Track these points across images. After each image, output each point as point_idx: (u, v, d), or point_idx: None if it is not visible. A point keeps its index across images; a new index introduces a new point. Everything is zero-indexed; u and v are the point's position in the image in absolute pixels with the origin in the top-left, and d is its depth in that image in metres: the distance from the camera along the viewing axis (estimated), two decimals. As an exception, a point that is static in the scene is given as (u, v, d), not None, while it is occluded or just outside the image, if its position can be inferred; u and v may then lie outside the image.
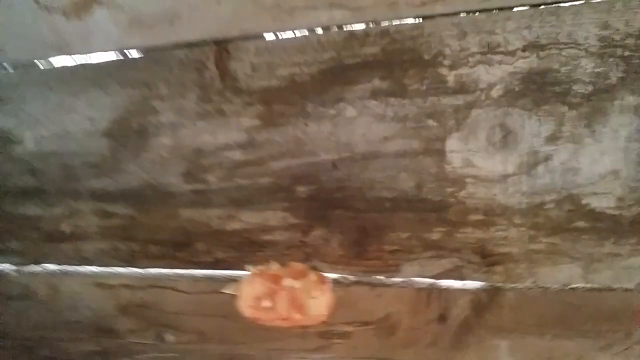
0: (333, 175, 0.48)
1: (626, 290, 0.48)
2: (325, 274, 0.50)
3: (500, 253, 0.47)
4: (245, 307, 0.48)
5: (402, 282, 0.51)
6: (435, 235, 0.48)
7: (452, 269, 0.48)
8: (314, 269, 0.51)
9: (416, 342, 0.52)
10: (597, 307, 0.48)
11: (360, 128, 0.46)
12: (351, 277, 0.52)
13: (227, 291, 0.50)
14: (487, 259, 0.48)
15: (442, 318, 0.51)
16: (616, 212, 0.45)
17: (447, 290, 0.50)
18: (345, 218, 0.49)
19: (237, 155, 0.50)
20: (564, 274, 0.47)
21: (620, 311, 0.48)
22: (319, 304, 0.47)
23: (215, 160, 0.50)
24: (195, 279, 0.55)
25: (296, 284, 0.48)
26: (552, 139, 0.44)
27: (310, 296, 0.47)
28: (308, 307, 0.47)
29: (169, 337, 0.59)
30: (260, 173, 0.50)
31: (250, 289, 0.48)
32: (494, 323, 0.50)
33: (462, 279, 0.49)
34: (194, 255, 0.54)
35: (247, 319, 0.48)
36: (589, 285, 0.48)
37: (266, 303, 0.47)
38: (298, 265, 0.49)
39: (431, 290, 0.50)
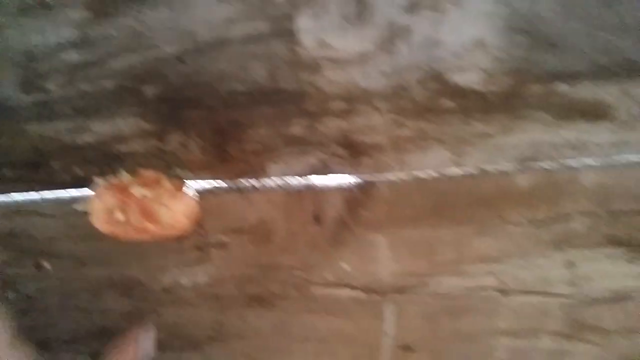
0: (180, 70, 0.43)
1: (501, 173, 0.46)
2: (188, 181, 0.47)
3: (365, 142, 0.45)
4: (99, 222, 0.45)
5: (273, 186, 0.48)
6: (296, 129, 0.44)
7: (318, 164, 0.46)
8: (178, 177, 0.47)
9: (294, 246, 0.50)
10: (472, 193, 0.47)
11: (201, 12, 0.41)
12: (218, 184, 0.48)
13: (78, 208, 0.47)
14: (352, 150, 0.45)
15: (317, 219, 0.48)
16: (483, 88, 0.42)
17: (320, 190, 0.47)
18: (200, 118, 0.45)
19: (73, 56, 0.44)
20: (434, 159, 0.45)
21: (494, 195, 0.47)
22: (173, 212, 0.44)
23: (50, 65, 0.44)
24: (59, 201, 0.51)
25: (147, 192, 0.44)
26: (411, 8, 0.39)
27: (163, 204, 0.44)
28: (161, 216, 0.44)
29: (47, 265, 0.56)
30: (102, 75, 0.44)
31: (101, 203, 0.44)
32: (369, 219, 0.48)
33: (329, 173, 0.46)
34: (51, 175, 0.50)
35: (105, 236, 0.45)
36: (461, 171, 0.46)
37: (118, 216, 0.44)
38: (149, 174, 0.45)
39: (303, 191, 0.47)
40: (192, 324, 0.57)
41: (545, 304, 0.50)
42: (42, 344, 0.62)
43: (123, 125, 0.46)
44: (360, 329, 0.54)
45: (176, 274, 0.54)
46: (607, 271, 0.48)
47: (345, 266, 0.51)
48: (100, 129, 0.47)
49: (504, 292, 0.50)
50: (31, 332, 0.61)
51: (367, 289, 0.52)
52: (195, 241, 0.51)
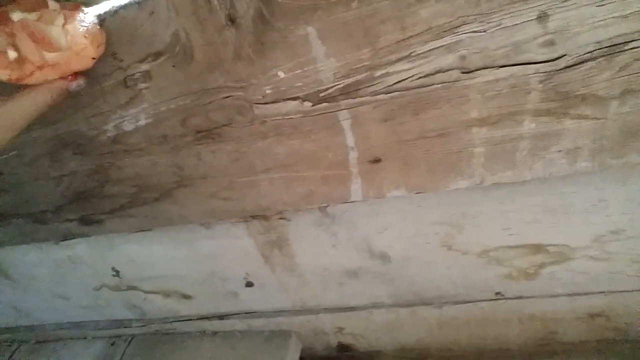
0: None
1: None
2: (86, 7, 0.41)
3: None
4: (-2, 73, 0.41)
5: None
6: None
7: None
8: (68, -1, 0.41)
9: (220, 60, 0.44)
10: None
11: None
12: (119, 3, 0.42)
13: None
14: None
15: (231, 19, 0.42)
16: None
17: (226, -19, 0.40)
18: None
19: None
20: None
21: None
22: (69, 32, 0.39)
23: None
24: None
25: (29, 15, 0.39)
26: None
27: (53, 25, 0.39)
28: (54, 38, 0.39)
29: None
30: None
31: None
32: (290, 7, 0.40)
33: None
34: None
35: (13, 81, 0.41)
36: None
37: (11, 53, 0.40)
38: (30, -3, 0.39)
39: (208, -12, 0.40)
40: (153, 173, 0.56)
41: (520, 77, 0.42)
42: (35, 220, 0.65)
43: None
44: (321, 147, 0.50)
45: (117, 120, 0.51)
46: (594, 17, 0.39)
47: (281, 74, 0.45)
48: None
49: (467, 71, 0.43)
50: (19, 209, 0.64)
51: (313, 98, 0.46)
52: (117, 77, 0.47)
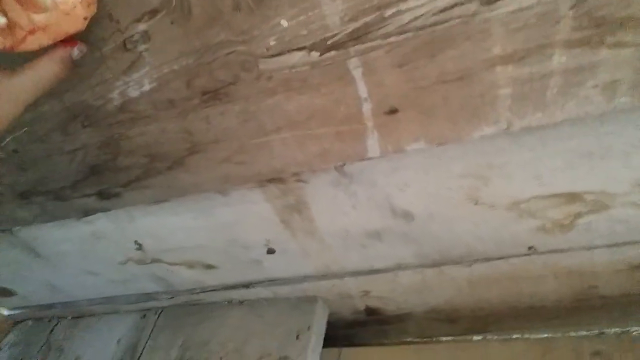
0: None
1: None
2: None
3: None
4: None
5: None
6: None
7: None
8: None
9: (219, 12, 0.41)
10: None
11: None
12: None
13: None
14: None
15: (226, -37, 0.39)
16: None
17: None
18: None
19: None
20: None
21: None
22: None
23: None
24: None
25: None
26: None
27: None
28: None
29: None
30: None
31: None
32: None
33: None
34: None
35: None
36: None
37: (1, 19, 0.38)
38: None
39: None
40: (163, 140, 0.54)
41: (548, 4, 0.38)
42: (55, 197, 0.65)
43: None
44: (333, 101, 0.47)
45: (121, 87, 0.49)
46: None
47: (284, 23, 0.42)
48: None
49: (488, 2, 0.38)
50: (39, 187, 0.64)
51: (320, 47, 0.43)
52: (116, 39, 0.45)
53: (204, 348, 0.76)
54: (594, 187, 0.53)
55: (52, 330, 0.96)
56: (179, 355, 0.76)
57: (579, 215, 0.57)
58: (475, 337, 0.77)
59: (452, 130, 0.48)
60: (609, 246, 0.60)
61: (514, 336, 0.76)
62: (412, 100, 0.46)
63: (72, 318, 0.96)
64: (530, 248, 0.64)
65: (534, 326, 0.77)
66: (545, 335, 0.75)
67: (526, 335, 0.75)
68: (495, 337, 0.76)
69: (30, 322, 1.02)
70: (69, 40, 0.41)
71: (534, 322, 0.77)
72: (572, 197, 0.55)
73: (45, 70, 0.40)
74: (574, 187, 0.53)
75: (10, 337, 1.01)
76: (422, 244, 0.65)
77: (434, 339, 0.78)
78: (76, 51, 0.42)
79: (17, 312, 1.04)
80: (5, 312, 1.05)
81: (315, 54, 0.44)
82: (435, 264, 0.69)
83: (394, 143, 0.50)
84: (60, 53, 0.41)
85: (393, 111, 0.47)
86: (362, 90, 0.46)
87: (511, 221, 0.59)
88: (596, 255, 0.62)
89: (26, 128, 0.57)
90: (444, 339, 0.79)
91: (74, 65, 0.43)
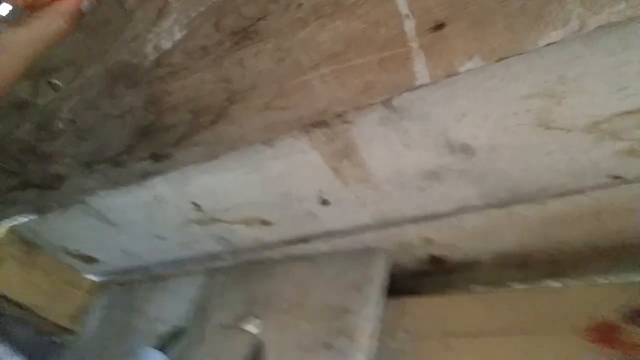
0: None
1: None
2: None
3: None
4: None
5: None
6: None
7: None
8: None
9: None
10: None
11: None
12: None
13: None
14: None
15: None
16: None
17: None
18: None
19: None
20: None
21: None
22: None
23: None
24: None
25: None
26: None
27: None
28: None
29: (57, 81, 0.57)
30: None
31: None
32: None
33: None
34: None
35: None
36: None
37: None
38: None
39: None
40: (203, 93, 0.53)
41: None
42: (114, 163, 0.68)
43: None
44: (370, 23, 0.43)
45: (154, 40, 0.49)
46: None
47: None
48: None
49: None
50: (98, 155, 0.66)
51: (350, -41, 0.38)
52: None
53: (267, 303, 0.78)
54: (696, 94, 0.44)
55: (132, 293, 1.03)
56: (245, 311, 0.78)
57: (677, 130, 0.48)
58: (552, 283, 0.70)
59: (513, 41, 0.41)
60: None
61: (598, 280, 0.68)
62: (461, 9, 0.40)
63: (149, 281, 1.02)
64: (616, 177, 0.55)
65: (622, 269, 0.68)
66: (636, 278, 0.66)
67: (612, 279, 0.67)
68: (576, 282, 0.69)
69: (114, 287, 1.10)
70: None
71: (622, 263, 0.68)
72: (668, 109, 0.46)
73: (51, 24, 0.39)
74: (670, 95, 0.45)
75: (100, 301, 1.10)
76: (487, 181, 0.59)
77: (505, 287, 0.72)
78: (86, 3, 0.41)
79: (103, 278, 1.14)
80: (94, 278, 1.14)
81: (346, -30, 0.39)
82: (502, 204, 0.63)
83: (445, 65, 0.45)
84: (66, 6, 0.40)
85: (440, 26, 0.42)
86: (402, 5, 0.41)
87: (591, 146, 0.51)
88: (700, 180, 0.53)
89: (79, 96, 0.58)
90: (517, 286, 0.73)
91: (83, 16, 0.41)
